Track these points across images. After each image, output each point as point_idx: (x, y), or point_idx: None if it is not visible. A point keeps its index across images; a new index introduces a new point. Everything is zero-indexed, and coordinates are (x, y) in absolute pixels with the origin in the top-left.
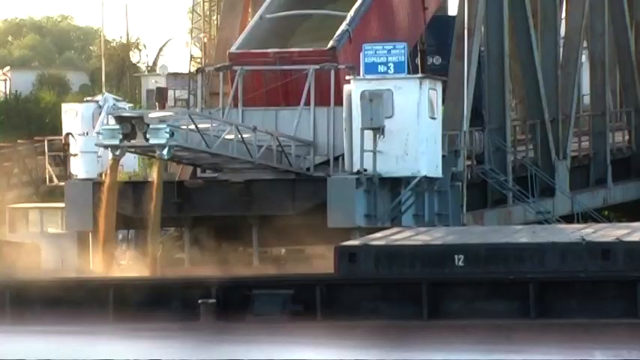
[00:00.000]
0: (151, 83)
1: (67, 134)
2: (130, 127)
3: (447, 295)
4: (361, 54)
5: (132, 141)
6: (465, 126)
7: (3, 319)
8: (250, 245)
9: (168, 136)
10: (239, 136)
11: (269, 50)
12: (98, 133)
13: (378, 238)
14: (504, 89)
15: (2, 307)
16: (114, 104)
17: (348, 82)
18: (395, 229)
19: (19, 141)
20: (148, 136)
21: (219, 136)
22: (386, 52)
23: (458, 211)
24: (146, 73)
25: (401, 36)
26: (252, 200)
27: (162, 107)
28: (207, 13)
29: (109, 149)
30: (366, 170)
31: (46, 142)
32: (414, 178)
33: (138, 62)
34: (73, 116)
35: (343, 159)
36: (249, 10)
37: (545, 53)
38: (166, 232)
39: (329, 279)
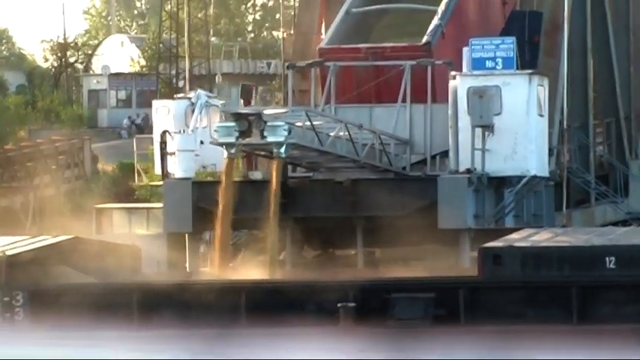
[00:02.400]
0: (93, 83)
1: (164, 132)
2: (247, 124)
3: (597, 299)
4: (464, 49)
5: (247, 139)
6: (564, 123)
7: (130, 324)
8: (353, 247)
9: (286, 133)
10: (347, 134)
11: (361, 45)
12: (193, 130)
13: (519, 240)
14: (587, 86)
15: (129, 310)
16: (206, 101)
17: (445, 78)
18: (530, 231)
19: (38, 140)
20: (265, 133)
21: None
22: (494, 46)
23: (552, 212)
24: (81, 73)
25: (486, 31)
26: (358, 200)
27: (247, 104)
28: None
29: (224, 147)
30: (475, 169)
31: (134, 141)
32: (522, 177)
33: (75, 62)
34: (165, 113)
35: (440, 157)
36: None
37: (618, 49)
38: (238, 234)
39: (473, 282)
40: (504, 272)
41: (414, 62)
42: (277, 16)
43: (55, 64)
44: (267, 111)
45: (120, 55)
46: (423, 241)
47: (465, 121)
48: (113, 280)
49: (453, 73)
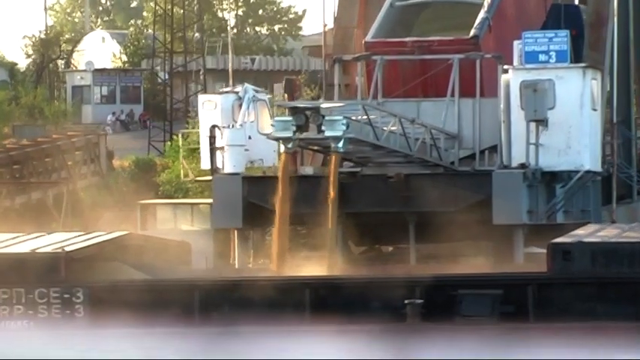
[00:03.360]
0: (77, 79)
1: (213, 126)
2: (304, 118)
3: None
4: (515, 42)
5: (304, 133)
6: (614, 118)
7: (192, 321)
8: (403, 242)
9: (344, 128)
10: (400, 128)
11: (407, 39)
12: (242, 125)
13: (587, 235)
14: (629, 79)
15: (190, 307)
16: (254, 95)
17: (492, 72)
18: (595, 226)
19: (54, 136)
20: (323, 127)
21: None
22: (547, 40)
23: (599, 207)
24: (61, 69)
25: (529, 24)
26: (411, 196)
27: (292, 99)
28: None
29: (281, 142)
30: (529, 164)
31: (180, 137)
32: (575, 172)
33: (57, 58)
34: (212, 108)
35: (488, 152)
36: None
37: None
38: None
39: (542, 278)
40: (574, 268)
41: (462, 56)
42: (260, 11)
43: (37, 61)
44: (324, 105)
45: (101, 51)
46: (475, 237)
47: (517, 115)
48: (167, 276)
49: (505, 66)
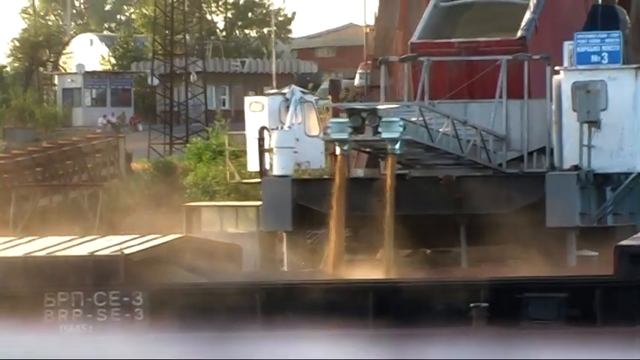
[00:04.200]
0: (67, 82)
1: (262, 128)
2: (361, 120)
3: None
4: (565, 43)
5: (361, 135)
6: None
7: (254, 324)
8: (454, 245)
9: (401, 129)
10: (452, 129)
11: (453, 40)
12: (290, 127)
13: None
14: None
15: (252, 311)
16: (301, 97)
17: (540, 73)
18: None
19: (74, 138)
20: (380, 129)
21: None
22: (599, 40)
23: None
24: (49, 71)
25: (571, 25)
26: (463, 198)
27: (336, 100)
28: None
29: (337, 144)
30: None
31: (226, 139)
32: (627, 174)
33: (47, 60)
34: (259, 109)
35: (537, 154)
36: None
37: None
38: (317, 232)
39: (609, 281)
40: None
41: (510, 57)
42: (249, 14)
43: (26, 64)
44: (381, 106)
45: (89, 53)
46: (526, 240)
47: (568, 116)
48: (222, 279)
49: (556, 67)
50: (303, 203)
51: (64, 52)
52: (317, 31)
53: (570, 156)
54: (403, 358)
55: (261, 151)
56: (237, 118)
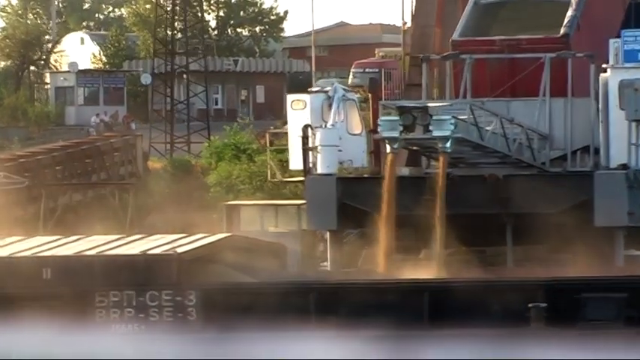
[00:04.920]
0: (60, 80)
1: (306, 126)
2: (412, 118)
3: None
4: (611, 41)
5: (411, 133)
6: None
7: (307, 324)
8: (500, 244)
9: (453, 127)
10: (499, 128)
11: (495, 37)
12: (333, 125)
13: None
14: None
15: (306, 310)
16: (343, 94)
17: (583, 71)
18: None
19: (90, 137)
20: (431, 127)
21: None
22: None
23: None
24: (41, 69)
25: (610, 22)
26: (509, 197)
27: (376, 98)
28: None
29: (387, 142)
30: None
31: (267, 137)
32: None
33: (39, 59)
34: (301, 107)
35: (580, 153)
36: None
37: None
38: (352, 231)
39: None
40: None
41: (554, 55)
42: (241, 13)
43: (17, 62)
44: (432, 104)
45: (80, 52)
46: (573, 239)
47: (615, 115)
48: (270, 278)
49: (603, 65)
50: (348, 202)
51: (55, 50)
52: (307, 30)
53: (617, 155)
54: (461, 358)
55: (305, 150)
56: (229, 117)
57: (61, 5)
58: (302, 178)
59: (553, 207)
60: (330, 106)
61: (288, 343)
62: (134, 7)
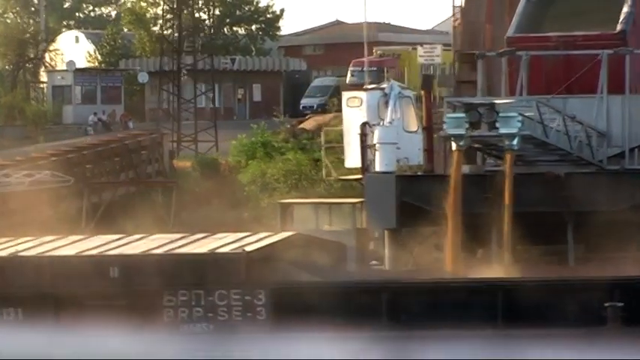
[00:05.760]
0: (57, 79)
1: (364, 124)
2: (478, 115)
3: None
4: None
5: (477, 131)
6: None
7: (379, 324)
8: (560, 243)
9: (520, 125)
10: (563, 126)
11: (551, 34)
12: (391, 122)
13: None
14: None
15: (377, 310)
16: (400, 92)
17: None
18: None
19: (119, 136)
20: (497, 124)
21: None
22: None
23: None
24: (38, 68)
25: None
26: (570, 195)
27: (429, 95)
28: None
29: (452, 140)
30: None
31: (322, 135)
32: None
33: (34, 58)
34: (357, 105)
35: (638, 150)
36: None
37: None
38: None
39: None
40: None
41: (611, 51)
42: (237, 12)
43: (13, 61)
44: (499, 101)
45: (75, 51)
46: (635, 237)
47: None
48: (335, 277)
49: None
50: (408, 200)
51: (50, 49)
52: (303, 29)
53: None
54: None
55: (364, 147)
56: (226, 116)
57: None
58: (360, 176)
59: (615, 205)
60: (386, 103)
61: (356, 343)
62: (129, 5)
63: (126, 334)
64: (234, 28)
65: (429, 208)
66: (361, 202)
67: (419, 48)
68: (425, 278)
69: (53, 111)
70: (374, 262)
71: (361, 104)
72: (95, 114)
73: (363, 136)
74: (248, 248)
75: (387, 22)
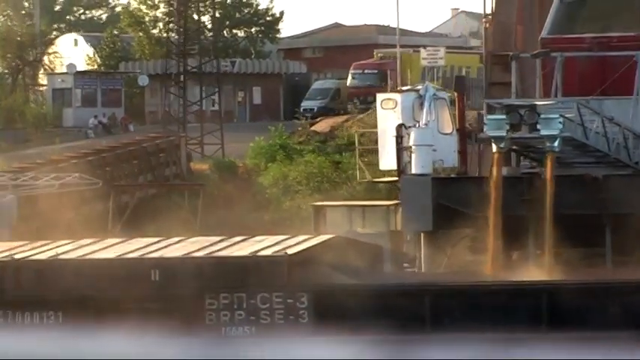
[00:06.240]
0: (57, 82)
1: (400, 125)
2: (519, 117)
3: None
4: None
5: (518, 132)
6: None
7: (422, 327)
8: (598, 246)
9: (561, 126)
10: (602, 127)
11: (585, 35)
12: (427, 124)
13: None
14: None
15: (420, 312)
16: (434, 93)
17: None
18: None
19: (137, 138)
20: (538, 126)
21: None
22: None
23: None
24: (38, 71)
25: None
26: (608, 198)
27: (462, 97)
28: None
29: (493, 142)
30: None
31: (357, 136)
32: None
33: (34, 61)
34: (391, 107)
35: None
36: None
37: None
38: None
39: None
40: None
41: None
42: (236, 15)
43: (13, 64)
44: (540, 102)
45: (74, 53)
46: None
47: None
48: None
49: None
50: (444, 203)
51: (49, 51)
52: (303, 31)
53: None
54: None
55: (399, 149)
56: (226, 118)
57: (32, 7)
58: (395, 179)
59: None
60: (420, 105)
61: (404, 347)
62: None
63: (166, 337)
64: (234, 31)
65: (465, 211)
66: (395, 204)
67: (422, 50)
68: (468, 282)
69: (53, 114)
70: (405, 264)
71: (396, 106)
72: (95, 117)
73: (399, 138)
74: (289, 251)
75: (386, 24)
